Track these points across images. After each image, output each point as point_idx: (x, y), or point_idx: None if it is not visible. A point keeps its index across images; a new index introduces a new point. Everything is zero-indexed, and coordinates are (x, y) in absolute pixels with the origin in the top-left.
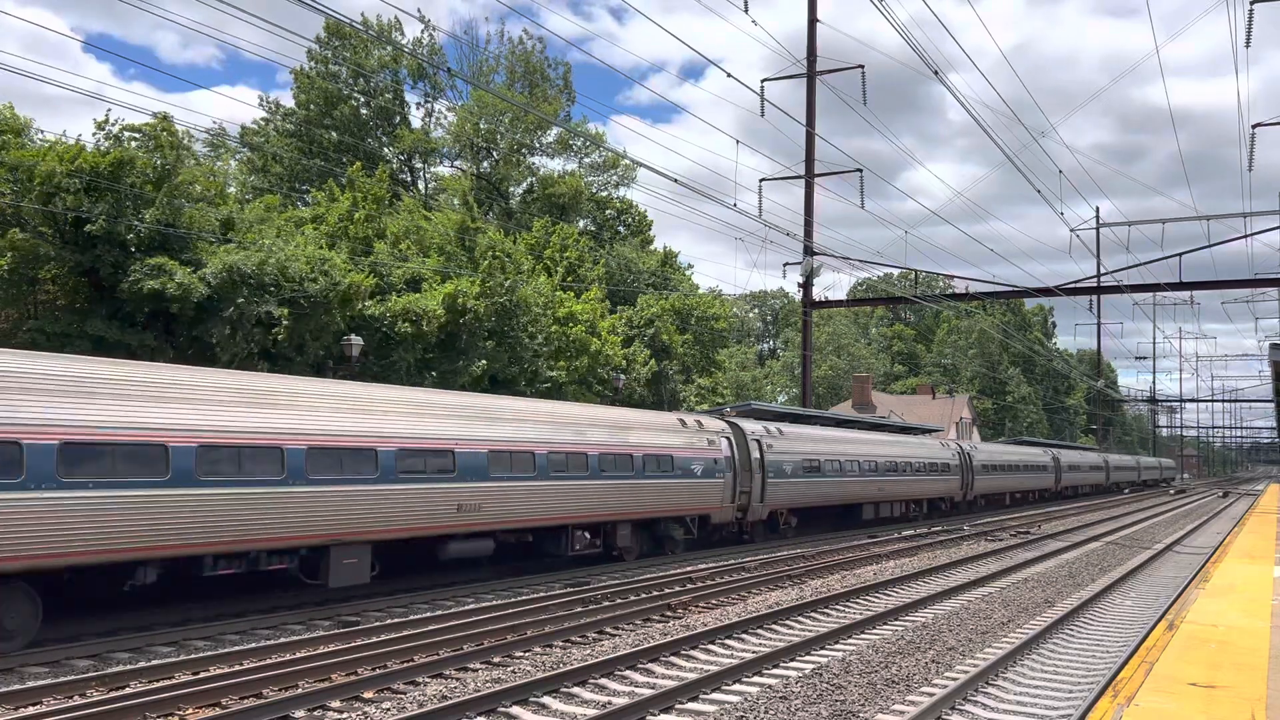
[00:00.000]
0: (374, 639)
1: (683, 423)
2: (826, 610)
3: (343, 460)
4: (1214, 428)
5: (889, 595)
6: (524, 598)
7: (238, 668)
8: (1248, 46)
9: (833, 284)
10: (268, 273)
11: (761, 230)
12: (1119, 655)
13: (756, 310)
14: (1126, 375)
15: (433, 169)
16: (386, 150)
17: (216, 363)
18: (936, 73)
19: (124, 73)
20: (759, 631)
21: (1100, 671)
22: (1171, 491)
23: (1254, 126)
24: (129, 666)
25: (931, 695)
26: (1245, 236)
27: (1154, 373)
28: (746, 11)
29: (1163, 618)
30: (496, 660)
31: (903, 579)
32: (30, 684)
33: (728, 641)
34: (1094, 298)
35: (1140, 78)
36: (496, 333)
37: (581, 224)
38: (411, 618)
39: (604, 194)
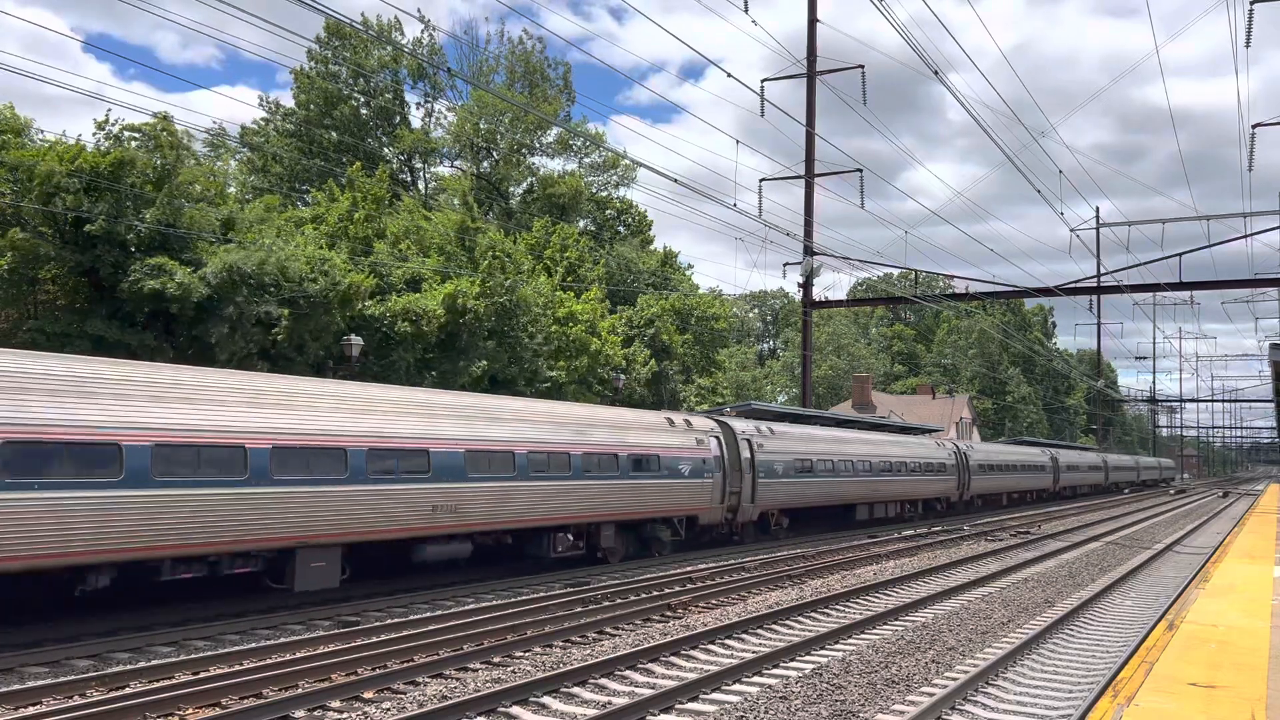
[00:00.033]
0: (374, 639)
1: (670, 422)
2: (826, 610)
3: (310, 460)
4: (1214, 428)
5: (889, 595)
6: (524, 598)
7: (238, 668)
8: (1248, 46)
9: (833, 284)
10: (268, 273)
11: (761, 230)
12: (1119, 655)
13: (756, 310)
14: (1126, 375)
15: (433, 169)
16: (386, 150)
17: (216, 362)
18: (936, 73)
19: (124, 73)
20: (759, 631)
21: (1100, 671)
22: (1171, 492)
23: (1254, 126)
24: (129, 666)
25: (931, 695)
26: (1245, 236)
27: (1154, 373)
28: (746, 11)
29: (1163, 618)
30: (496, 660)
31: (903, 579)
32: (30, 684)
33: (728, 641)
34: (1094, 298)
35: (1140, 78)
36: (496, 333)
37: (581, 224)
38: (411, 618)
39: (604, 194)
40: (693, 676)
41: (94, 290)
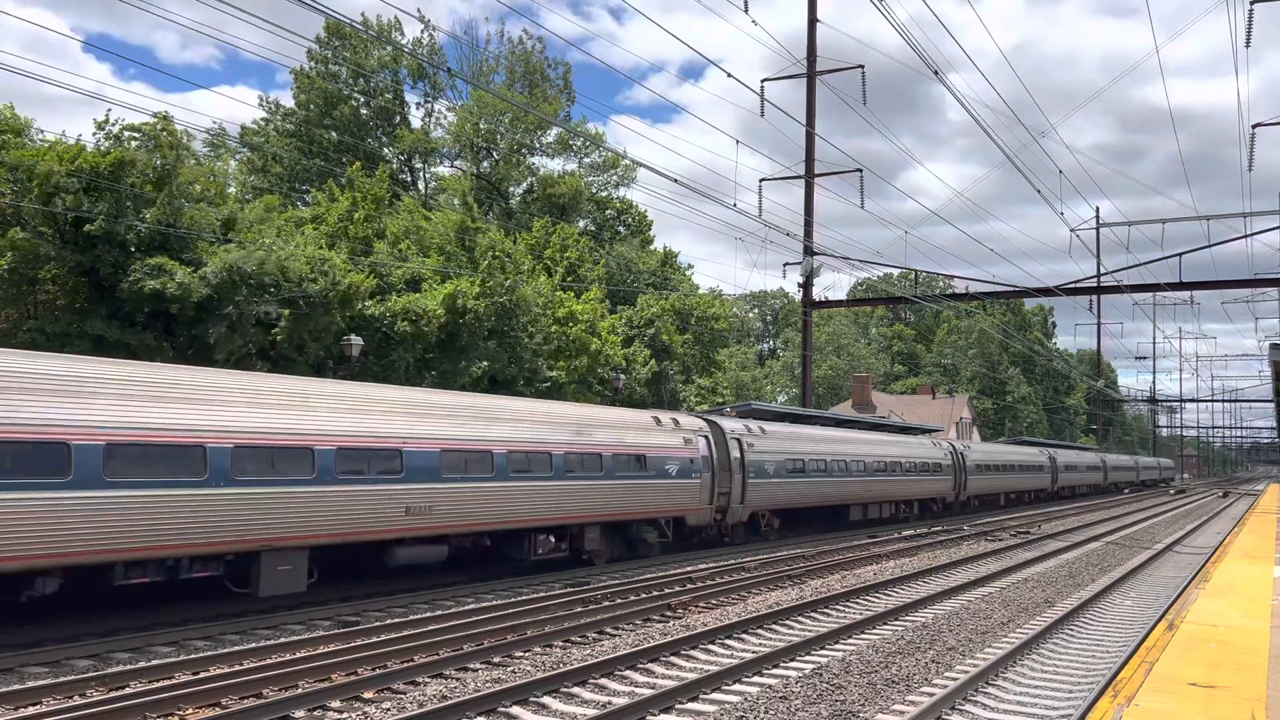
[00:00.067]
0: (374, 639)
1: (657, 421)
2: (826, 610)
3: (274, 460)
4: (1214, 428)
5: (889, 595)
6: (524, 598)
7: (238, 668)
8: (1248, 46)
9: (833, 284)
10: (267, 273)
11: (761, 230)
12: (1119, 655)
13: (756, 310)
14: (1126, 375)
15: (433, 169)
16: (386, 150)
17: (215, 362)
18: (936, 73)
19: (124, 73)
20: (759, 631)
21: (1100, 671)
22: (1171, 492)
23: (1254, 126)
24: (129, 666)
25: (931, 695)
26: (1245, 236)
27: (1154, 373)
28: (746, 11)
29: (1163, 618)
30: (496, 660)
31: (903, 579)
32: (30, 684)
33: (728, 641)
34: (1094, 298)
35: (1140, 78)
36: (496, 333)
37: (581, 224)
38: (411, 618)
39: (604, 194)
40: (693, 676)
41: (94, 290)
